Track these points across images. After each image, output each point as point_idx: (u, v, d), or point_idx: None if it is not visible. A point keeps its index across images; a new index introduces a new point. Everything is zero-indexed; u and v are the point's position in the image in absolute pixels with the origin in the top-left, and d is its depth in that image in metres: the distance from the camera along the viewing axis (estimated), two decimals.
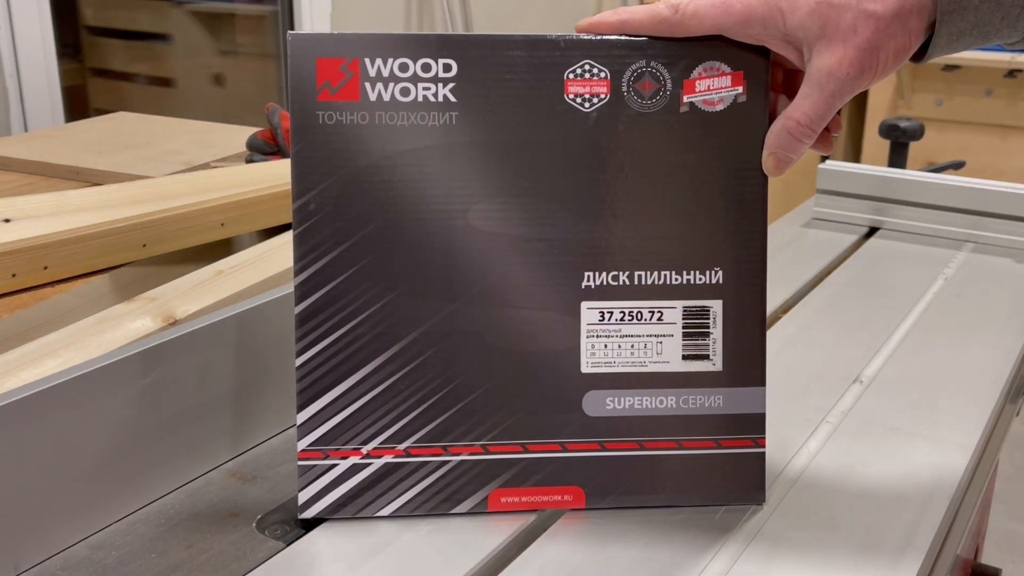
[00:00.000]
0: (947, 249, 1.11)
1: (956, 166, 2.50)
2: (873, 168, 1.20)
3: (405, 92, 0.56)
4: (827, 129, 0.58)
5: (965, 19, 0.53)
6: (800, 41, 0.54)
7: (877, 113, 3.19)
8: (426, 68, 0.56)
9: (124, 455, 0.59)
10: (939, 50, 0.55)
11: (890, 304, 0.95)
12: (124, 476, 0.59)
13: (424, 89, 0.56)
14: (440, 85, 0.56)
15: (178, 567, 0.55)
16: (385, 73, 0.56)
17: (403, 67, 0.56)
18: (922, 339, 0.87)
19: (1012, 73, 3.01)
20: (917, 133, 2.07)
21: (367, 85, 0.56)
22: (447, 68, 0.56)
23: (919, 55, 0.56)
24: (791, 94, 0.57)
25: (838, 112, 0.57)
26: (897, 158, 2.12)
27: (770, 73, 0.58)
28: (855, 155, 3.37)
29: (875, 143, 3.03)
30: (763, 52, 0.57)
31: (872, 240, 1.14)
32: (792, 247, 1.11)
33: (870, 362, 0.82)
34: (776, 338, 0.86)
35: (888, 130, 2.08)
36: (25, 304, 0.85)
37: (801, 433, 0.70)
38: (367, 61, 0.56)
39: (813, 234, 1.16)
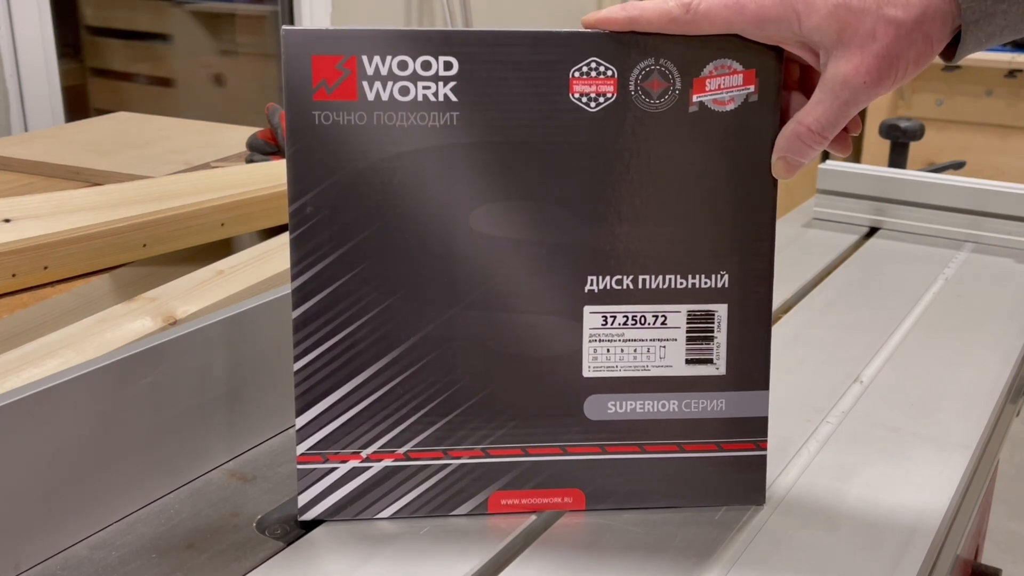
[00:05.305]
0: (947, 249, 1.11)
1: (956, 166, 2.50)
2: (873, 168, 1.20)
3: (404, 91, 0.54)
4: (845, 129, 0.56)
5: (994, 23, 0.51)
6: (816, 44, 0.53)
7: (877, 113, 3.18)
8: (426, 66, 0.54)
9: (124, 455, 0.59)
10: (968, 52, 0.53)
11: (890, 304, 0.95)
12: (124, 476, 0.59)
13: (424, 88, 0.54)
14: (440, 84, 0.54)
15: (178, 567, 0.55)
16: (383, 71, 0.54)
17: (402, 65, 0.54)
18: (922, 339, 0.87)
19: (1012, 73, 3.01)
20: (917, 133, 2.07)
21: (365, 84, 0.54)
22: (448, 66, 0.54)
23: (947, 54, 0.54)
24: (807, 92, 0.56)
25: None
26: (897, 158, 2.12)
27: (783, 72, 0.56)
28: (855, 155, 3.37)
29: (875, 143, 3.03)
30: (776, 50, 0.55)
31: (872, 240, 1.14)
32: (792, 247, 1.11)
33: (870, 362, 0.82)
34: (776, 338, 0.86)
35: (888, 130, 2.08)
36: (25, 304, 0.84)
37: (801, 433, 0.70)
38: (365, 59, 0.54)
39: (813, 234, 1.16)
